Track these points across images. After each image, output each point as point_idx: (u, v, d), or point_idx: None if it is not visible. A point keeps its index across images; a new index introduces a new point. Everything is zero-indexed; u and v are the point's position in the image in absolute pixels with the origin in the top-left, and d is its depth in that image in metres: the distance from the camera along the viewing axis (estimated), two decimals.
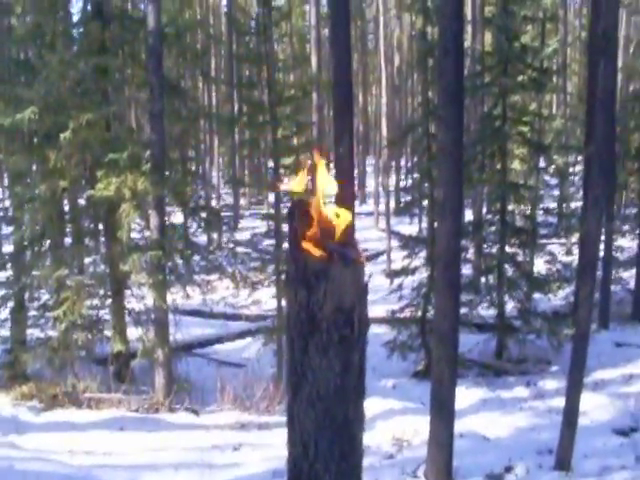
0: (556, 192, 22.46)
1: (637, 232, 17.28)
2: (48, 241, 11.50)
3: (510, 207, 14.16)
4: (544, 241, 14.80)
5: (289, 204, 2.86)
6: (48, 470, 7.49)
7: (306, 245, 2.54)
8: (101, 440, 8.82)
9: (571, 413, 8.03)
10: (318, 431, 2.61)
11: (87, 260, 12.07)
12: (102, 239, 12.01)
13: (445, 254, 7.80)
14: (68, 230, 12.06)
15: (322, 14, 28.80)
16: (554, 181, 21.10)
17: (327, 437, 2.60)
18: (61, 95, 10.15)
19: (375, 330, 15.40)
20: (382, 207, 27.13)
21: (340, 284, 2.53)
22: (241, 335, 14.79)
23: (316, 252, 2.51)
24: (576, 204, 21.56)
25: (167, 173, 11.45)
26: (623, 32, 28.58)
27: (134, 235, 12.38)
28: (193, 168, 21.79)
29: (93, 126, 10.24)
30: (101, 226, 12.01)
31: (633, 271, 16.90)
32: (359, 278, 2.62)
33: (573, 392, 8.05)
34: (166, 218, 11.41)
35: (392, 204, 30.28)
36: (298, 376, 2.60)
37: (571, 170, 26.34)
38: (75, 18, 12.78)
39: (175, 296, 11.87)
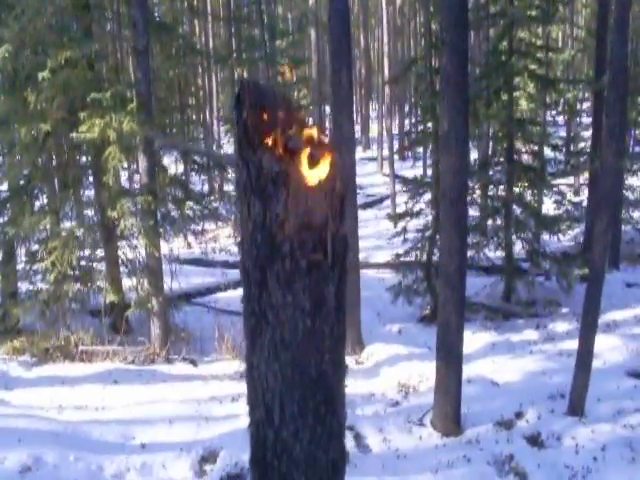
0: (562, 132, 21.77)
1: None
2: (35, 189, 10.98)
3: (517, 145, 13.53)
4: (552, 181, 14.18)
5: (238, 87, 2.07)
6: (34, 427, 7.15)
7: (267, 139, 1.87)
8: (93, 394, 8.47)
9: (585, 355, 7.66)
10: (284, 389, 2.02)
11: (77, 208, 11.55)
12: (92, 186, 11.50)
13: (450, 190, 7.33)
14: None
15: None
16: (560, 120, 20.43)
17: (296, 396, 2.01)
18: (38, 32, 9.46)
19: (380, 274, 15.00)
20: (386, 152, 26.39)
21: (307, 192, 1.87)
22: (241, 283, 14.33)
23: (276, 149, 1.86)
24: (583, 144, 20.93)
25: (160, 115, 10.84)
26: None
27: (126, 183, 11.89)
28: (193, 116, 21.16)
29: (74, 65, 9.58)
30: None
31: None
32: (333, 184, 1.90)
33: (587, 333, 7.65)
34: (160, 163, 10.88)
35: (396, 148, 29.63)
36: (257, 318, 2.01)
37: (578, 108, 25.47)
38: None
39: (174, 245, 11.40)
